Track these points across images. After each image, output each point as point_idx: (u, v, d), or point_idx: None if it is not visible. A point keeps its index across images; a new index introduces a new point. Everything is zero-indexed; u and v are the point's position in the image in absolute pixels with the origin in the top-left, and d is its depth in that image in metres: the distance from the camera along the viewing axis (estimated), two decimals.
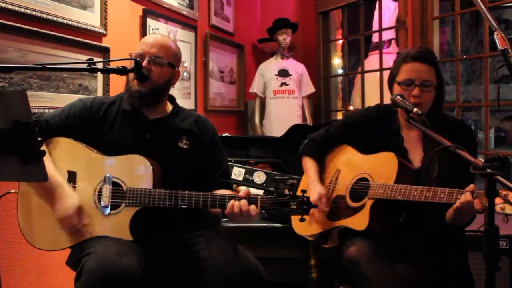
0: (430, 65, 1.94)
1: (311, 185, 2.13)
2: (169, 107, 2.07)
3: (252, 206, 1.77)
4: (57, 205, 1.79)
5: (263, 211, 1.83)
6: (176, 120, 2.03)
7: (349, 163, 2.15)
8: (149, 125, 1.97)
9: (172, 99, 2.09)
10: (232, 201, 1.78)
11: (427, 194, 1.79)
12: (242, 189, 1.90)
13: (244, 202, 1.77)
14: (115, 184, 1.84)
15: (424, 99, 1.93)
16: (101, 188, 1.84)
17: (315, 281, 2.77)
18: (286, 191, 1.81)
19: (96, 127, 1.93)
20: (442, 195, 1.76)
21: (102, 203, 1.82)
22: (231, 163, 3.07)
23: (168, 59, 1.95)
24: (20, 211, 1.85)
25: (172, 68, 1.98)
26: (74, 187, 1.85)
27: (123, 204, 1.82)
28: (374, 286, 1.77)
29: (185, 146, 1.99)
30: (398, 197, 1.87)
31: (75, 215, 1.78)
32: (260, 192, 2.66)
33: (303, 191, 1.82)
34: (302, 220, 1.80)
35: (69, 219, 1.78)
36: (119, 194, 1.83)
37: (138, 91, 1.90)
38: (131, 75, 1.89)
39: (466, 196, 1.69)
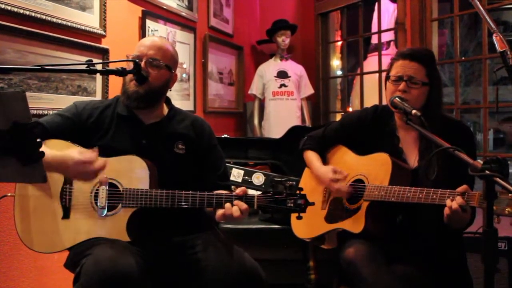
0: (420, 63, 1.96)
1: (320, 170, 2.15)
2: (165, 110, 2.05)
3: (240, 203, 1.78)
4: (64, 164, 1.68)
5: (256, 208, 1.83)
6: (172, 123, 2.02)
7: (345, 164, 2.15)
8: (145, 131, 1.96)
9: (167, 101, 2.08)
10: (221, 211, 1.79)
11: (420, 196, 1.80)
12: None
13: (235, 208, 1.77)
14: (111, 185, 1.83)
15: (411, 96, 1.95)
16: (97, 190, 1.83)
17: (314, 283, 2.77)
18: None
19: (90, 132, 1.92)
20: (434, 196, 1.77)
21: (98, 204, 1.82)
22: (230, 165, 3.07)
23: (166, 62, 1.94)
24: (17, 215, 1.84)
25: (169, 70, 1.97)
26: (70, 189, 1.85)
27: (120, 205, 1.82)
28: (372, 287, 1.77)
29: (181, 151, 1.98)
30: (392, 199, 1.87)
31: (80, 154, 1.69)
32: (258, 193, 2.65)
33: (300, 189, 1.81)
34: (299, 218, 1.80)
35: (79, 160, 1.67)
36: (116, 195, 1.82)
37: (136, 92, 1.89)
38: (128, 77, 1.88)
39: (448, 201, 1.71)
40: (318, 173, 2.16)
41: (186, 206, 1.81)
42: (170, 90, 2.03)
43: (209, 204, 1.81)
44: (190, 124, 2.05)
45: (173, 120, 2.03)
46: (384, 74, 4.14)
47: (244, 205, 1.77)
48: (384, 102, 2.09)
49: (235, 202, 1.78)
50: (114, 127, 1.94)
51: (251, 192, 1.89)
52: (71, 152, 1.72)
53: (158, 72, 1.92)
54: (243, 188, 1.82)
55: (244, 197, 1.79)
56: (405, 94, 1.94)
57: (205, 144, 2.05)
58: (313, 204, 1.82)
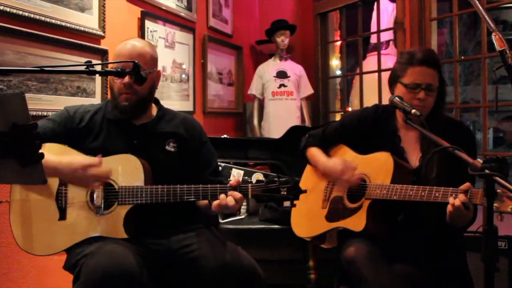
0: (435, 69, 1.96)
1: (328, 163, 2.12)
2: (154, 110, 2.06)
3: (235, 193, 1.79)
4: (70, 167, 1.75)
5: (251, 198, 1.85)
6: (162, 123, 2.03)
7: None
8: (136, 131, 1.97)
9: (156, 101, 2.09)
10: (217, 201, 1.80)
11: (423, 194, 1.80)
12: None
13: (230, 198, 1.79)
14: (107, 184, 1.84)
15: (428, 103, 1.96)
16: (93, 189, 1.84)
17: (314, 282, 2.77)
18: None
19: (81, 136, 1.93)
20: (437, 194, 1.77)
21: (95, 203, 1.82)
22: (230, 165, 3.07)
23: (148, 67, 1.93)
24: (13, 220, 1.84)
25: (152, 73, 1.97)
26: (66, 190, 1.85)
27: (116, 203, 1.83)
28: (372, 286, 1.77)
29: (173, 149, 1.99)
30: (394, 197, 1.87)
31: (85, 159, 1.79)
32: None
33: (293, 177, 1.82)
34: (293, 205, 1.81)
35: (87, 164, 1.74)
36: (111, 193, 1.83)
37: (126, 106, 1.91)
38: (117, 88, 1.90)
39: (451, 199, 1.71)
40: (327, 166, 2.12)
41: (181, 199, 1.81)
42: (157, 88, 2.04)
43: (204, 196, 1.82)
44: (180, 122, 2.06)
45: (163, 119, 2.04)
46: (383, 74, 4.15)
47: (238, 195, 1.79)
48: (384, 102, 2.09)
49: (230, 192, 1.79)
50: (106, 129, 1.95)
51: None
52: (77, 157, 1.81)
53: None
54: (236, 178, 1.84)
55: (239, 187, 1.80)
56: (423, 102, 1.94)
57: (196, 141, 2.06)
58: (305, 191, 1.83)
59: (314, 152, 2.23)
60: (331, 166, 2.10)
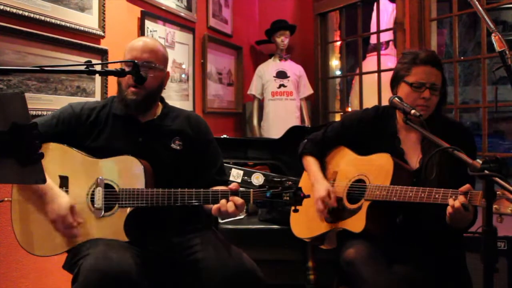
0: (438, 69, 1.96)
1: (317, 183, 2.13)
2: (160, 107, 2.06)
3: (236, 198, 1.78)
4: (49, 207, 1.77)
5: (253, 204, 1.84)
6: (167, 120, 2.03)
7: (346, 164, 2.15)
8: (141, 129, 1.97)
9: (161, 99, 2.09)
10: (216, 205, 1.79)
11: (423, 195, 1.80)
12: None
13: (230, 204, 1.78)
14: (107, 186, 1.83)
15: (432, 102, 1.96)
16: (93, 191, 1.83)
17: (313, 283, 2.77)
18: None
19: (87, 132, 1.93)
20: (437, 196, 1.77)
21: (95, 205, 1.82)
22: (229, 165, 3.07)
23: (159, 63, 1.95)
24: (14, 220, 1.84)
25: (163, 71, 1.98)
26: (66, 191, 1.85)
27: (117, 205, 1.82)
28: (372, 287, 1.77)
29: (178, 147, 1.99)
30: (394, 198, 1.87)
31: (68, 214, 1.76)
32: None
33: (295, 182, 1.81)
34: (295, 211, 1.80)
35: (63, 218, 1.75)
36: (112, 195, 1.83)
37: (134, 100, 1.90)
38: (125, 83, 1.90)
39: (451, 200, 1.71)
40: (314, 185, 2.13)
41: (182, 203, 1.81)
42: (165, 89, 2.04)
43: (205, 201, 1.82)
44: (185, 120, 2.06)
45: (167, 117, 2.04)
46: (383, 74, 4.15)
47: (239, 200, 1.78)
48: (384, 102, 2.09)
49: (231, 198, 1.79)
50: (110, 126, 1.95)
51: None
52: (64, 201, 1.77)
53: (154, 75, 1.92)
54: (235, 183, 1.83)
55: (240, 192, 1.79)
56: (428, 102, 1.94)
57: (202, 139, 2.05)
58: (308, 196, 1.82)
59: (309, 163, 2.23)
60: (315, 188, 2.11)
